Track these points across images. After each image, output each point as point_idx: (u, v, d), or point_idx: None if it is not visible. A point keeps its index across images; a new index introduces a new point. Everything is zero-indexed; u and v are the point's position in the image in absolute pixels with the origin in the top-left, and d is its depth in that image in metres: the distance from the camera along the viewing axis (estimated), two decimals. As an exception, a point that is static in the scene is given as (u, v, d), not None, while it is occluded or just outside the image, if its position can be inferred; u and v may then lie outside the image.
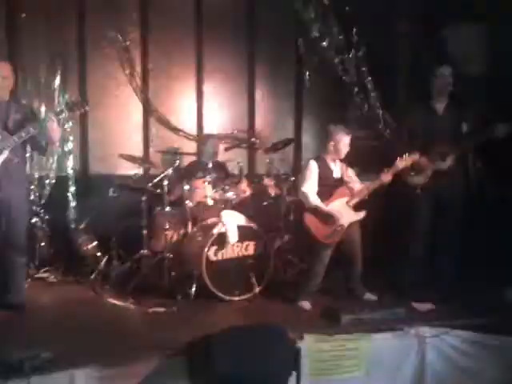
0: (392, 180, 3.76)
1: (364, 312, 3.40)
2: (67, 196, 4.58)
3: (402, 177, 3.86)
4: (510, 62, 4.44)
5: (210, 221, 3.98)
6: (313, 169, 3.73)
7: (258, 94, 5.40)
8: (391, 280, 3.95)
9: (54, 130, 3.38)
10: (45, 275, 4.12)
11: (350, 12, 5.20)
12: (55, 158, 4.53)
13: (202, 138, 4.85)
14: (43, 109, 4.42)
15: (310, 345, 3.09)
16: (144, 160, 4.69)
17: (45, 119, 3.38)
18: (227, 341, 2.83)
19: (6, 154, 3.29)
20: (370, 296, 3.79)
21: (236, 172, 4.49)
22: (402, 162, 3.69)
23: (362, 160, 4.18)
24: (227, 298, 3.73)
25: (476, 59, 4.91)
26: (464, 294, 3.66)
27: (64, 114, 3.45)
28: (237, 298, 3.76)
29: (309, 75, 5.46)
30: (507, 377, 3.27)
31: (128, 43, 4.86)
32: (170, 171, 4.26)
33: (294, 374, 2.92)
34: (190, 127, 5.17)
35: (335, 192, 3.73)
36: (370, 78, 5.14)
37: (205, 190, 4.08)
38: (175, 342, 2.93)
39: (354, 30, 5.15)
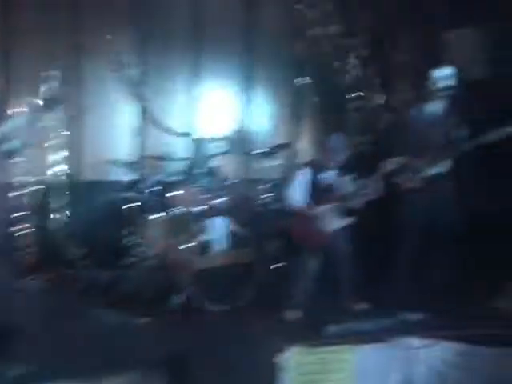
0: (388, 184, 3.70)
1: (351, 323, 3.33)
2: (57, 202, 4.56)
3: (395, 181, 3.80)
4: None
5: (198, 228, 3.92)
6: (303, 173, 3.69)
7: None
8: (380, 289, 3.86)
9: (30, 130, 3.21)
10: (30, 283, 4.10)
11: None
12: (45, 163, 4.52)
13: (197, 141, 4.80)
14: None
15: (293, 358, 3.02)
16: (137, 165, 4.66)
17: (18, 120, 3.19)
18: (205, 355, 2.77)
19: None
20: (358, 306, 3.71)
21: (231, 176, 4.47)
22: (388, 166, 3.63)
23: (359, 166, 4.12)
24: (213, 307, 3.68)
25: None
26: (454, 305, 3.55)
27: (40, 113, 3.30)
28: (222, 308, 3.71)
29: (307, 79, 5.43)
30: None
31: (123, 47, 4.85)
32: (162, 177, 4.23)
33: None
34: (185, 131, 5.13)
35: (324, 197, 3.68)
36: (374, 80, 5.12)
37: (194, 197, 4.04)
38: (155, 355, 2.88)
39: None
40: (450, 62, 4.43)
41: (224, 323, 3.55)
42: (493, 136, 3.58)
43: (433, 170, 3.76)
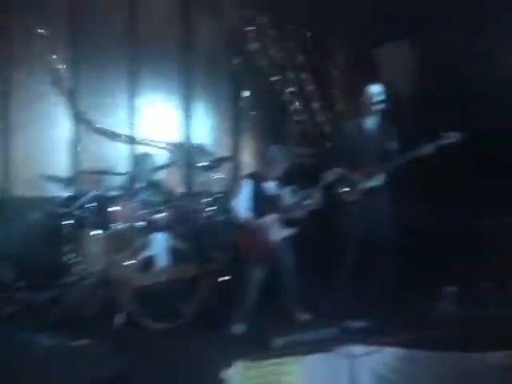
0: (330, 196, 3.78)
1: (296, 333, 3.35)
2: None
3: (337, 192, 3.91)
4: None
5: (140, 243, 3.82)
6: (245, 185, 3.72)
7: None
8: (324, 298, 3.92)
9: None
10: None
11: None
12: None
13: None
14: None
15: (239, 372, 2.99)
16: (75, 180, 4.49)
17: None
18: (150, 374, 2.69)
19: None
20: (302, 316, 3.74)
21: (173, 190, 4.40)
22: (327, 177, 3.72)
23: (299, 177, 4.18)
24: (155, 325, 3.58)
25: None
26: (395, 311, 3.69)
27: None
28: (166, 326, 3.61)
29: (247, 93, 5.48)
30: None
31: (57, 60, 4.68)
32: (101, 192, 4.10)
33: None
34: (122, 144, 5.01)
35: (266, 208, 3.70)
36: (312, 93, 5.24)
37: (135, 212, 3.94)
38: (95, 379, 2.76)
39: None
40: (385, 77, 4.65)
41: (168, 340, 3.46)
42: (426, 149, 3.75)
43: (370, 183, 3.88)
